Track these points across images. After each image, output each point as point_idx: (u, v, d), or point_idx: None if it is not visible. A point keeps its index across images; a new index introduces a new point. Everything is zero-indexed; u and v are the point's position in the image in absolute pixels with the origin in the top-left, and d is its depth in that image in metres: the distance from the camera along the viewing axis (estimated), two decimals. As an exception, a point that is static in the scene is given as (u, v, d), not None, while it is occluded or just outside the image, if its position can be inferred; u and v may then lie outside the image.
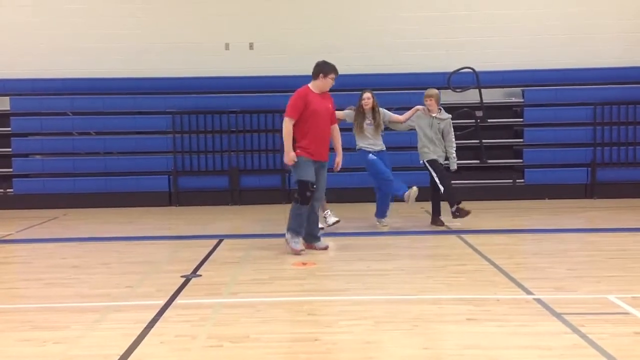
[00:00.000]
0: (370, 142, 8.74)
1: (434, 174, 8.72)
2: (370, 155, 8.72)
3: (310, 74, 7.38)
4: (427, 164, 8.84)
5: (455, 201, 8.73)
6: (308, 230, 7.52)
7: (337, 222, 8.85)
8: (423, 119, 8.85)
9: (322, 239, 7.66)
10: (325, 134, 7.37)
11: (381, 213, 8.97)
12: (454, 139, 8.89)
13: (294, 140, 7.27)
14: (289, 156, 7.21)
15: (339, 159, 7.63)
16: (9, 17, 12.66)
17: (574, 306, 5.22)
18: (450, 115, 8.97)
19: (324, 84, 7.26)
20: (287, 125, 7.24)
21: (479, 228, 8.98)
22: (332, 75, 7.26)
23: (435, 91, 8.89)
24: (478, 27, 12.63)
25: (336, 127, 7.67)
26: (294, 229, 7.33)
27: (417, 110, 8.93)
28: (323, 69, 7.27)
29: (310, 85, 7.38)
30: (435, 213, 8.94)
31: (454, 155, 8.88)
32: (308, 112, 7.19)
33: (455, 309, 5.21)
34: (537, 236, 8.69)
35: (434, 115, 8.79)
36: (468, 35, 12.61)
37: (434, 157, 8.80)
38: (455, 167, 9.00)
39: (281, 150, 7.79)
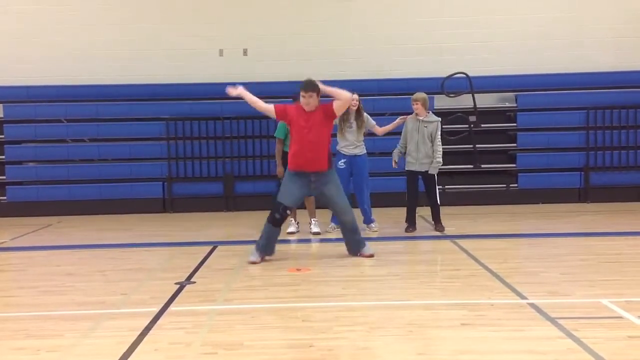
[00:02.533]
0: (349, 144, 8.86)
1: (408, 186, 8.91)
2: (340, 162, 8.86)
3: (304, 79, 7.38)
4: (407, 173, 8.89)
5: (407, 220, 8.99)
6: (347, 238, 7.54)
7: (318, 234, 8.90)
8: (411, 123, 8.80)
9: (367, 244, 7.51)
10: (310, 146, 7.17)
11: (367, 219, 9.04)
12: (440, 144, 8.74)
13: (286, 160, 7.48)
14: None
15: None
16: (2, 24, 12.63)
17: (567, 310, 5.24)
18: (439, 119, 8.87)
19: (301, 101, 7.27)
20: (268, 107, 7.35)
21: (473, 233, 9.00)
22: (301, 93, 7.21)
23: (422, 95, 8.79)
24: (471, 33, 12.66)
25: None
26: (258, 245, 7.26)
27: (399, 123, 8.96)
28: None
29: None
30: (411, 221, 9.00)
31: (438, 160, 8.70)
32: (292, 127, 7.26)
33: (450, 314, 5.22)
34: (531, 241, 8.71)
35: (421, 118, 8.72)
36: (461, 41, 12.65)
37: (413, 168, 8.77)
38: (434, 173, 8.77)
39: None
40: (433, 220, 9.03)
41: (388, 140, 9.74)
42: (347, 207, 7.42)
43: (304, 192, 7.36)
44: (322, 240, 8.68)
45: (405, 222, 8.98)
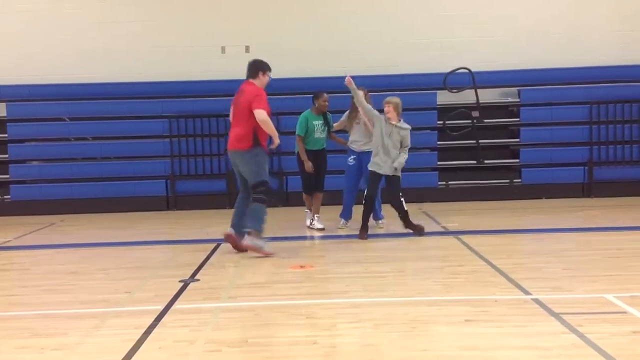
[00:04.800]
0: (358, 140, 8.83)
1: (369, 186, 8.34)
2: (350, 159, 8.88)
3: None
4: (371, 173, 8.29)
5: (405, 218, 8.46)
6: (240, 223, 7.59)
7: (323, 229, 8.95)
8: (384, 125, 8.18)
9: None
10: None
11: (376, 215, 9.03)
12: (407, 151, 8.23)
13: (256, 137, 7.31)
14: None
15: None
16: (5, 23, 12.64)
17: (572, 306, 5.24)
18: (409, 127, 8.30)
19: (264, 81, 7.30)
20: (265, 115, 7.28)
21: (476, 228, 8.99)
22: (269, 73, 7.37)
23: (396, 99, 8.26)
24: (474, 28, 12.62)
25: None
26: (261, 229, 7.38)
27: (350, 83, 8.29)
28: (262, 66, 7.37)
29: (256, 83, 7.38)
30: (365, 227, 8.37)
31: (401, 161, 8.14)
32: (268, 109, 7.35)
33: (453, 310, 5.22)
34: (534, 236, 8.69)
35: (393, 123, 8.16)
36: (464, 36, 12.61)
37: (381, 172, 8.17)
38: (389, 173, 8.19)
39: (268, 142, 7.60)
40: (405, 225, 8.45)
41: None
42: None
43: None
44: (325, 237, 8.68)
45: (361, 230, 8.32)
